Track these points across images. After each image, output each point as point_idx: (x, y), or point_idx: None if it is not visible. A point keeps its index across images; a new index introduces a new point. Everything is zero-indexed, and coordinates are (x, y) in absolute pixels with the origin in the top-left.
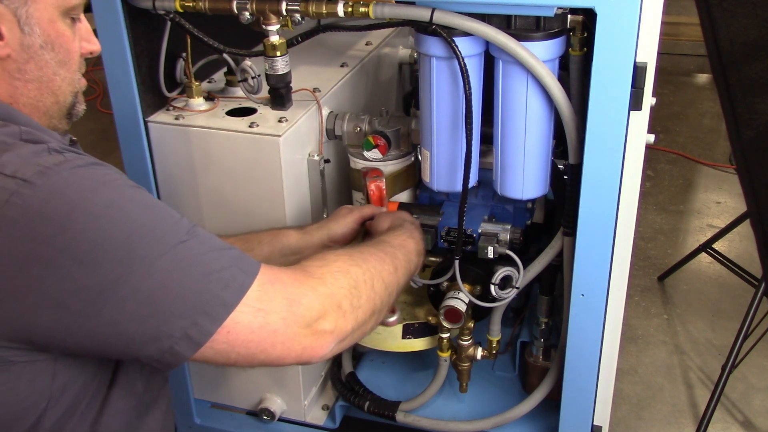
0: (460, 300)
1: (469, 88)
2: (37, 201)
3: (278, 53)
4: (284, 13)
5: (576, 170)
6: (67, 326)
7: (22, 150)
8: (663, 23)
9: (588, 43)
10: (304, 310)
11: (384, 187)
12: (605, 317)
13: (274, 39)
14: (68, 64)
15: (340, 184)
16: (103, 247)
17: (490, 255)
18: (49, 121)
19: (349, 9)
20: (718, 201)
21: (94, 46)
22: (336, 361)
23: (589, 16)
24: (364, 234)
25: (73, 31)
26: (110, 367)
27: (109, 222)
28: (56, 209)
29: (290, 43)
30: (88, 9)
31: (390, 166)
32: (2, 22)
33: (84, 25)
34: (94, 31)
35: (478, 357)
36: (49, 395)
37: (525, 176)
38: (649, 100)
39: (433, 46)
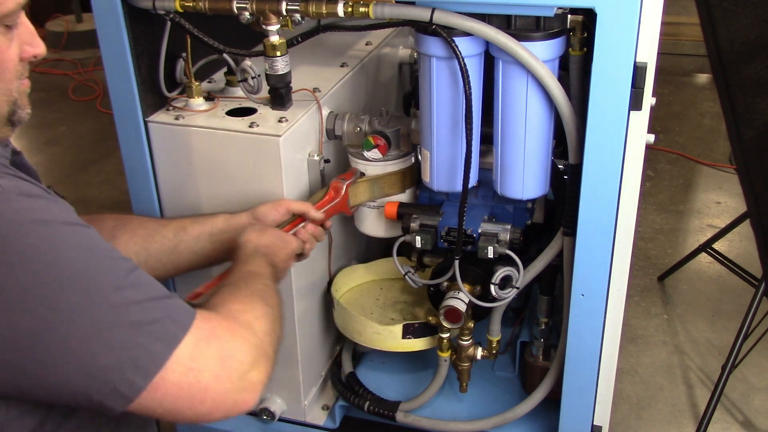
0: (460, 300)
1: (469, 88)
2: None
3: (278, 53)
4: (284, 13)
5: (576, 170)
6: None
7: None
8: (663, 23)
9: (588, 43)
10: (237, 365)
11: (343, 192)
12: (605, 317)
13: (274, 39)
14: (2, 74)
15: None
16: (33, 293)
17: (490, 255)
18: None
19: (349, 9)
20: (718, 201)
21: (37, 49)
22: (336, 361)
23: (589, 16)
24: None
25: (9, 38)
26: (63, 410)
27: (40, 265)
28: None
29: (290, 43)
30: (87, 9)
31: (389, 167)
32: None
33: (25, 28)
34: (94, 32)
35: (478, 357)
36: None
37: (525, 176)
38: (649, 100)
39: (433, 46)
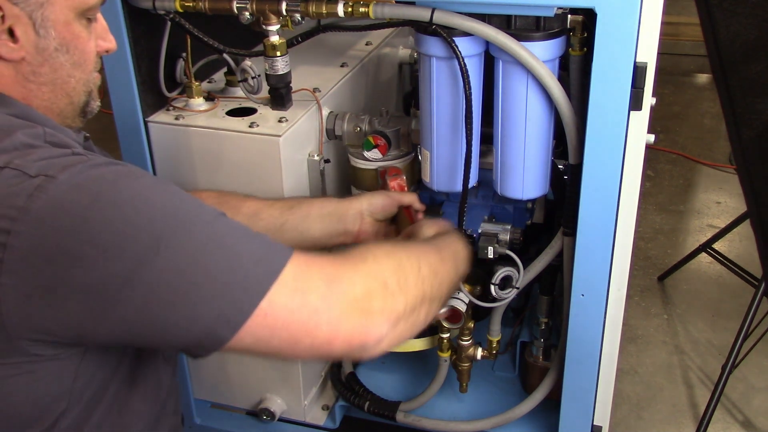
0: (460, 300)
1: (469, 88)
2: (59, 194)
3: (278, 53)
4: (284, 13)
5: (576, 170)
6: (97, 316)
7: (46, 152)
8: (663, 23)
9: (588, 43)
10: (345, 287)
11: (405, 185)
12: (605, 317)
13: (274, 39)
14: (83, 65)
15: (340, 184)
16: (126, 234)
17: (490, 255)
18: (63, 121)
19: (349, 9)
20: (718, 201)
21: (110, 44)
22: (336, 360)
23: (589, 16)
24: (396, 220)
25: (89, 31)
26: (130, 368)
27: (131, 209)
28: (78, 201)
29: (290, 43)
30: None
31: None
32: (17, 26)
33: (100, 23)
34: None
35: (478, 357)
36: (69, 395)
37: (525, 176)
38: (649, 100)
39: (433, 46)
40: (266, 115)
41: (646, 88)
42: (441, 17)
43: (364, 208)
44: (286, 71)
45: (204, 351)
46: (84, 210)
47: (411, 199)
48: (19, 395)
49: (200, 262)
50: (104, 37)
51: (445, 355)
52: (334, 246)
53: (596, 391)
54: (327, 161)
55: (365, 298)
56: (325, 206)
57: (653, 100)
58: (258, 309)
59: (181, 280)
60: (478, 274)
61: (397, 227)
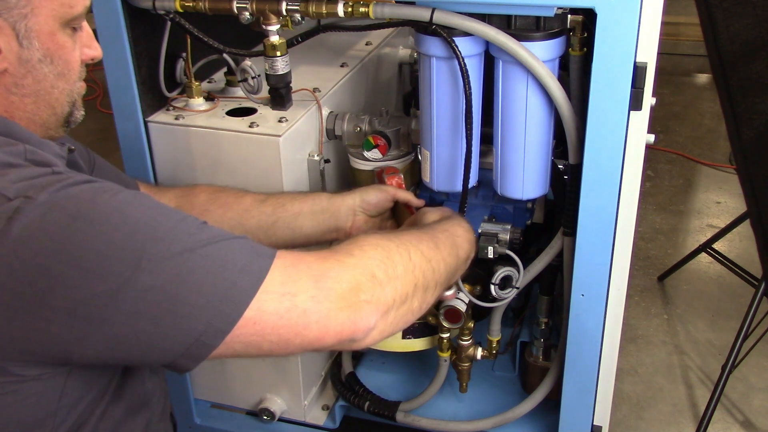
0: (460, 300)
1: (469, 88)
2: (38, 215)
3: (278, 53)
4: (284, 13)
5: (576, 170)
6: (82, 336)
7: (26, 172)
8: (663, 23)
9: (588, 43)
10: (333, 283)
11: (403, 183)
12: (605, 317)
13: (274, 39)
14: (67, 75)
15: (340, 184)
16: (108, 253)
17: (490, 255)
18: (45, 132)
19: (349, 9)
20: (718, 201)
21: (95, 51)
22: (336, 361)
23: (589, 16)
24: (393, 214)
25: (74, 40)
26: (118, 383)
27: (110, 227)
28: (57, 221)
29: (290, 43)
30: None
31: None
32: (0, 36)
33: (85, 31)
34: (94, 32)
35: (478, 357)
36: (54, 415)
37: (525, 176)
38: (649, 100)
39: (433, 46)
40: (266, 115)
41: (646, 88)
42: (441, 17)
43: (357, 204)
44: (286, 71)
45: (192, 363)
46: (63, 231)
47: (407, 195)
48: (3, 415)
49: (183, 276)
50: (89, 45)
51: (445, 355)
52: (327, 242)
53: (596, 391)
54: (327, 161)
55: (353, 292)
56: (317, 203)
57: (653, 100)
58: (244, 318)
59: (164, 295)
60: (478, 274)
61: (396, 222)
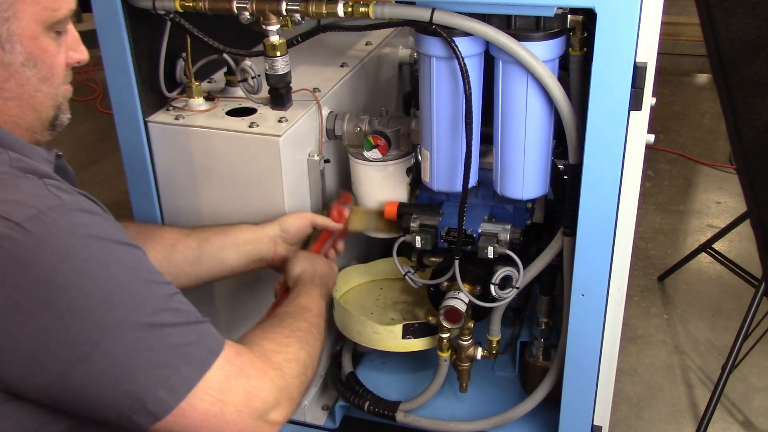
0: (460, 300)
1: (469, 88)
2: (26, 248)
3: (278, 53)
4: (284, 13)
5: (576, 170)
6: (37, 379)
7: (17, 187)
8: (663, 23)
9: (588, 43)
10: (260, 404)
11: (346, 216)
12: (605, 317)
13: (274, 39)
14: (51, 79)
15: (340, 184)
16: (82, 307)
17: (490, 255)
18: (31, 135)
19: (349, 9)
20: (718, 201)
21: (81, 55)
22: (336, 361)
23: (589, 16)
24: (307, 241)
25: (59, 44)
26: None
27: (91, 281)
28: (44, 259)
29: (290, 43)
30: (87, 9)
31: (389, 167)
32: None
33: (71, 34)
34: (94, 32)
35: (478, 357)
36: None
37: (525, 176)
38: (649, 100)
39: (433, 46)
40: (266, 115)
41: (646, 88)
42: (441, 17)
43: (277, 234)
44: (286, 71)
45: (124, 429)
46: (47, 270)
47: (324, 221)
48: None
49: (139, 353)
50: (75, 48)
51: (445, 355)
52: (253, 271)
53: (596, 391)
54: (327, 161)
55: (272, 412)
56: (240, 235)
57: (653, 100)
58: (178, 409)
59: (118, 366)
60: (478, 274)
61: (304, 245)
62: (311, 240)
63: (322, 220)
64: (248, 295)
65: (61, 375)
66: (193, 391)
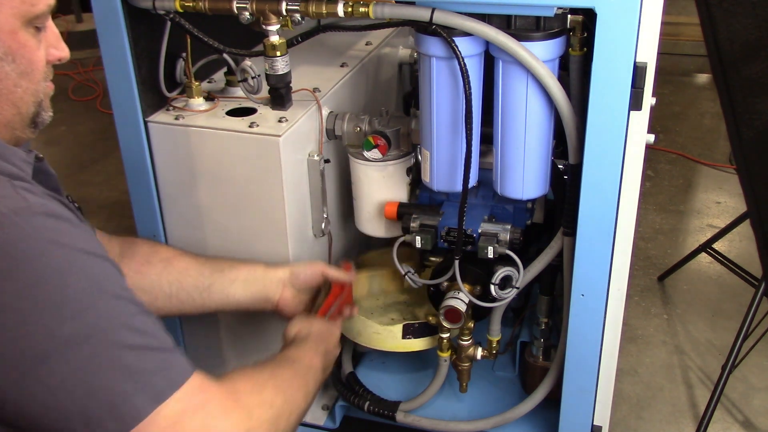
0: (460, 300)
1: (469, 88)
2: None
3: (278, 53)
4: (284, 13)
5: (576, 170)
6: None
7: None
8: (663, 23)
9: (588, 43)
10: None
11: (351, 268)
12: (605, 317)
13: (274, 39)
14: (31, 74)
15: (340, 184)
16: (35, 316)
17: (490, 255)
18: (11, 132)
19: (349, 9)
20: (718, 201)
21: (62, 52)
22: (336, 361)
23: (589, 16)
24: (318, 294)
25: (38, 39)
26: None
27: (47, 289)
28: (1, 263)
29: (290, 43)
30: (87, 9)
31: (390, 167)
32: None
33: (51, 31)
34: (94, 32)
35: (478, 357)
36: None
37: (525, 176)
38: (649, 100)
39: (433, 46)
40: (266, 115)
41: (646, 88)
42: (441, 17)
43: (287, 278)
44: (286, 71)
45: None
46: (3, 273)
47: (336, 273)
48: None
49: (88, 373)
50: (56, 45)
51: (445, 355)
52: (256, 310)
53: (596, 391)
54: (327, 161)
55: None
56: (252, 272)
57: (653, 100)
58: None
59: (65, 386)
60: (478, 274)
61: (314, 299)
62: (319, 298)
63: (334, 272)
64: (254, 335)
65: (5, 390)
66: (143, 423)
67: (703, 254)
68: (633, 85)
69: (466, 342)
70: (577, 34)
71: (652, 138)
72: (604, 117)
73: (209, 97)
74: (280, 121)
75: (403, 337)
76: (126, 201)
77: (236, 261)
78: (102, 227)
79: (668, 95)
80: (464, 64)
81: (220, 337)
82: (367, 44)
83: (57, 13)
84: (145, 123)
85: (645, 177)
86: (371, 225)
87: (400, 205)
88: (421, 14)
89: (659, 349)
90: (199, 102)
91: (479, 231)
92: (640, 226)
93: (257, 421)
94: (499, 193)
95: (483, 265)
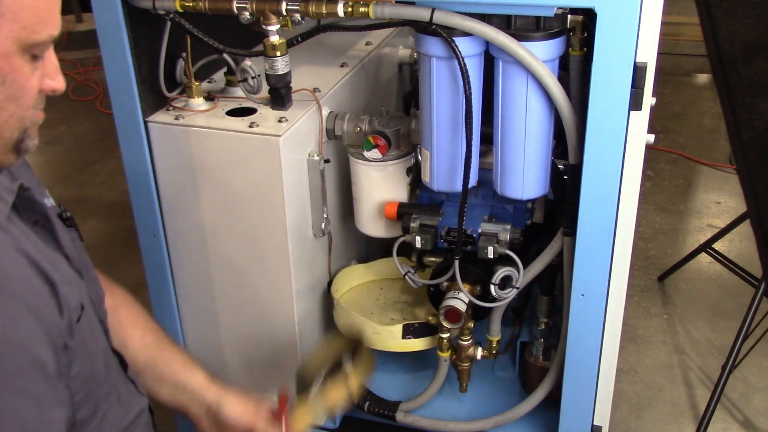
0: (460, 300)
1: (469, 88)
2: None
3: (278, 53)
4: (284, 13)
5: (576, 170)
6: None
7: None
8: (663, 23)
9: (588, 43)
10: None
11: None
12: (605, 317)
13: (274, 39)
14: (20, 100)
15: (340, 184)
16: None
17: (490, 255)
18: None
19: (349, 9)
20: (718, 201)
21: (57, 84)
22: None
23: (589, 16)
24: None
25: (34, 67)
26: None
27: None
28: None
29: (290, 43)
30: (87, 9)
31: (389, 167)
32: None
33: (51, 61)
34: (94, 32)
35: (478, 357)
36: None
37: (525, 176)
38: (649, 100)
39: (433, 46)
40: (266, 115)
41: (646, 88)
42: (441, 17)
43: (211, 404)
44: (286, 71)
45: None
46: None
47: (265, 428)
48: None
49: None
50: (53, 76)
51: (445, 355)
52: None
53: (596, 391)
54: (327, 161)
55: None
56: (190, 379)
57: (653, 100)
58: None
59: None
60: (478, 274)
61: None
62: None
63: (263, 425)
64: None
65: None
66: None
67: (703, 254)
68: (633, 85)
69: (466, 342)
70: (577, 34)
71: (652, 138)
72: (604, 117)
73: (209, 97)
74: (280, 121)
75: (403, 337)
76: (126, 201)
77: (190, 360)
78: (102, 227)
79: (668, 95)
80: (464, 64)
81: (220, 337)
82: (367, 44)
83: None
84: (145, 123)
85: (645, 177)
86: (371, 225)
87: (400, 205)
88: (421, 14)
89: (659, 349)
90: (199, 102)
91: (479, 231)
92: (640, 226)
93: None
94: (499, 193)
95: (483, 265)
